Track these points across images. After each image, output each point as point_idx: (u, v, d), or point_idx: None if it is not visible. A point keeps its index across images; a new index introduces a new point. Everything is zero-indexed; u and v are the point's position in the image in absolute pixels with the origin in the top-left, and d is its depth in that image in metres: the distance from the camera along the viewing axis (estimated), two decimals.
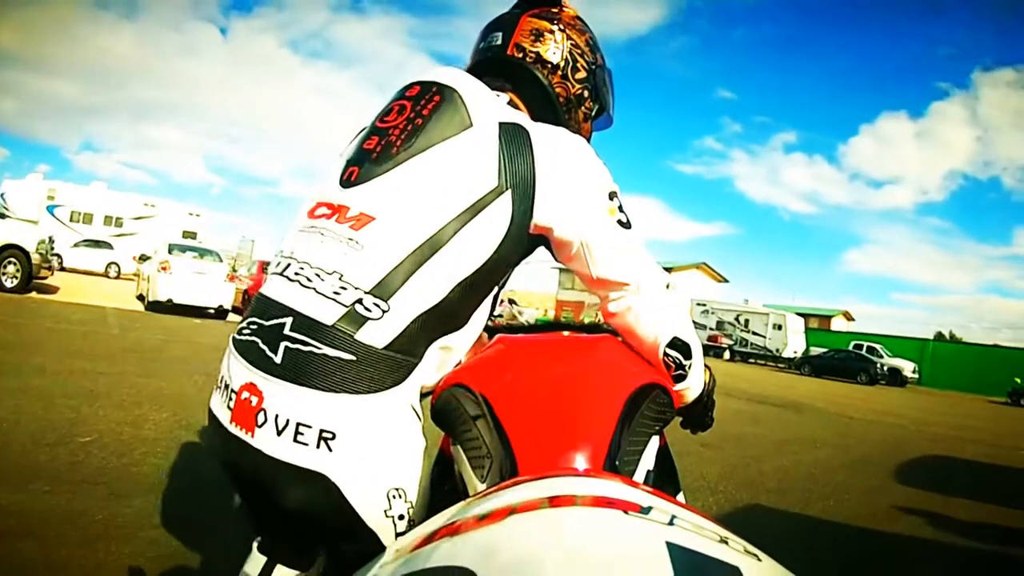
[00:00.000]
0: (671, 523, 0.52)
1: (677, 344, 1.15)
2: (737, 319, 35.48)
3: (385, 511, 1.01)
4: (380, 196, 1.05)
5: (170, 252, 14.80)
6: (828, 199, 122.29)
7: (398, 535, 1.02)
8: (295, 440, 0.97)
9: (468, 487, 1.04)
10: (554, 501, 0.57)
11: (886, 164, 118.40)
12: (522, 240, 1.08)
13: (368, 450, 1.00)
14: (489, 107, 1.11)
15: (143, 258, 16.44)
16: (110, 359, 7.06)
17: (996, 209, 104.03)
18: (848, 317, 53.03)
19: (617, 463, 0.99)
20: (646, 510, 0.54)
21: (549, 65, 1.25)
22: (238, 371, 1.04)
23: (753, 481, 5.24)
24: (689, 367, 1.17)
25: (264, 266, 17.14)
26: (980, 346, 36.90)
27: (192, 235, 28.90)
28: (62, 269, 23.38)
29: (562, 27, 1.27)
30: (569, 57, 1.26)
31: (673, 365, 1.16)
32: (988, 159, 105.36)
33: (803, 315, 37.91)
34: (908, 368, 29.78)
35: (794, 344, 33.64)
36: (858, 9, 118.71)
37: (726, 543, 0.51)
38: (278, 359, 0.99)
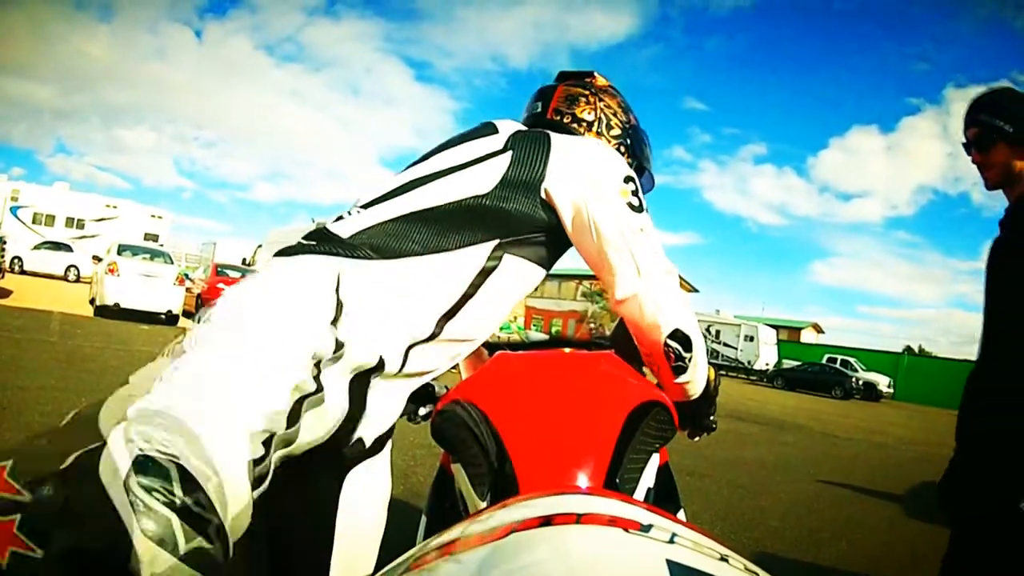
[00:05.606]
0: (671, 541, 0.50)
1: (678, 336, 1.15)
2: (708, 330, 34.51)
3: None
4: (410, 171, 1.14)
5: (119, 253, 13.98)
6: (796, 211, 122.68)
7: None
8: None
9: (468, 505, 1.04)
10: (555, 519, 0.53)
11: (856, 177, 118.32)
12: (527, 201, 1.08)
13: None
14: (517, 126, 1.19)
15: (97, 259, 15.69)
16: (35, 371, 6.47)
17: (965, 224, 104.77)
18: (818, 329, 53.18)
19: (618, 481, 1.00)
20: (646, 528, 0.52)
21: (584, 123, 1.32)
22: None
23: (753, 520, 4.73)
24: (689, 360, 1.17)
25: (218, 269, 16.49)
26: (953, 361, 36.71)
27: (154, 237, 28.04)
28: (23, 272, 22.99)
29: (594, 91, 1.35)
30: (602, 116, 1.33)
31: (674, 356, 1.16)
32: (958, 175, 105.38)
33: (773, 327, 37.46)
34: (883, 383, 29.57)
35: (766, 356, 33.24)
36: (831, 23, 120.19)
37: (726, 561, 0.49)
38: None
